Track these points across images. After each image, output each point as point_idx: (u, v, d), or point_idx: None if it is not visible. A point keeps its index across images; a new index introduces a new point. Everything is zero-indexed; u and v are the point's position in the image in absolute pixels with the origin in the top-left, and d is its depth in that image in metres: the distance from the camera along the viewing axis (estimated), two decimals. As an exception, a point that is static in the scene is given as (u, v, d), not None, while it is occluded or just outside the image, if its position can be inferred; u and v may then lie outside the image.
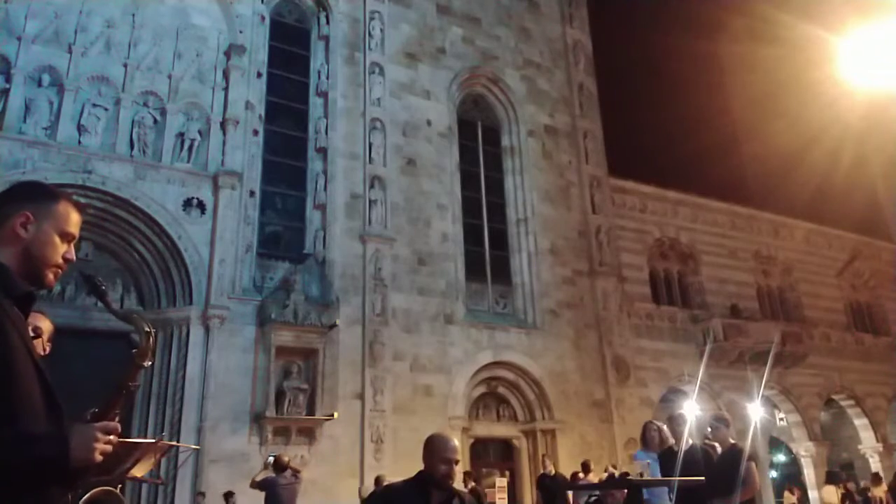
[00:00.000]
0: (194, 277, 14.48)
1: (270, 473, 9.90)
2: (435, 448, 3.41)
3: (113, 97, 14.91)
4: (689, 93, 33.62)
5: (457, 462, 3.44)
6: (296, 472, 9.86)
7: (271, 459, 10.18)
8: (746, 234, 24.91)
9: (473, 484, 12.32)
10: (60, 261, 1.73)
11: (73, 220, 1.78)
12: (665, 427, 6.57)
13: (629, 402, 18.93)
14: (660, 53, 31.87)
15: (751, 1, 28.47)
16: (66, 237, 1.75)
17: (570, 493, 12.13)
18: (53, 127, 14.11)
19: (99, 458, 1.53)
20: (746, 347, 21.30)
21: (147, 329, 1.79)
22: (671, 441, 6.49)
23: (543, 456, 14.46)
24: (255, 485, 9.76)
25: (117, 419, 1.65)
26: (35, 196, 1.75)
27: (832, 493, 16.81)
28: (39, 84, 14.25)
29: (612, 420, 18.42)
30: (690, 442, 6.20)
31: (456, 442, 3.52)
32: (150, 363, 1.80)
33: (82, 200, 12.09)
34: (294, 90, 17.91)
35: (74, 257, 1.78)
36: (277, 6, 18.30)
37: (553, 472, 12.77)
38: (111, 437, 1.57)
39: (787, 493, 18.84)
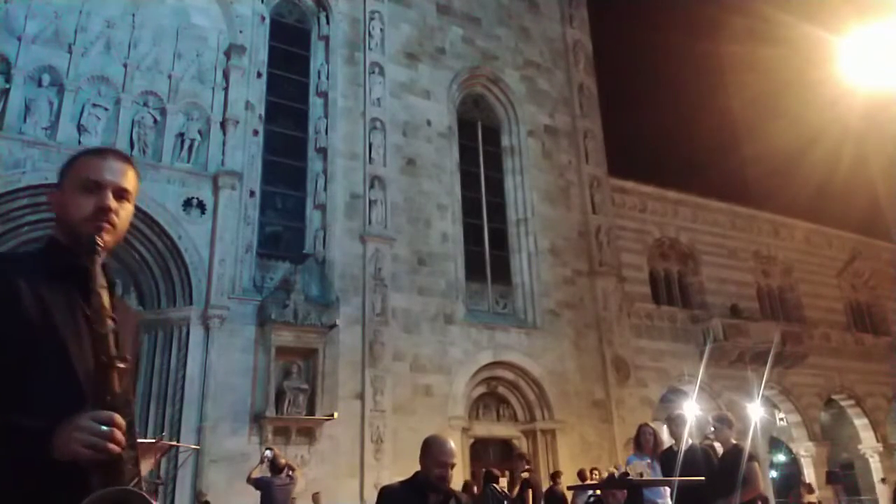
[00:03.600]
0: (194, 277, 14.47)
1: (266, 470, 9.92)
2: (431, 451, 3.40)
3: (113, 97, 14.91)
4: (690, 93, 33.63)
5: (452, 465, 3.43)
6: (291, 473, 9.87)
7: (268, 453, 10.19)
8: (746, 234, 24.91)
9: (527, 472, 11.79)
10: (89, 212, 1.56)
11: (93, 166, 1.61)
12: (662, 430, 6.55)
13: (629, 402, 18.92)
14: (660, 53, 31.88)
15: (751, 1, 28.48)
16: (90, 187, 1.58)
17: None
18: (53, 127, 14.11)
19: (85, 452, 1.30)
20: (746, 347, 21.30)
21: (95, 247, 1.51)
22: (666, 445, 6.48)
23: (527, 469, 12.74)
24: (252, 481, 9.77)
25: (128, 412, 1.41)
26: (62, 170, 1.65)
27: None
28: (39, 84, 14.25)
29: (612, 420, 18.41)
30: (690, 442, 6.20)
31: (453, 445, 3.51)
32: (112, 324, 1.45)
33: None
34: (294, 90, 17.91)
35: (109, 203, 1.58)
36: (277, 6, 18.29)
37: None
38: (106, 428, 1.32)
39: (805, 493, 18.65)
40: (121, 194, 1.62)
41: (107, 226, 1.57)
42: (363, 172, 17.27)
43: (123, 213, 1.63)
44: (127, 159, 1.67)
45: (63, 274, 1.52)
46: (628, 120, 26.98)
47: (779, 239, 25.72)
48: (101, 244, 1.54)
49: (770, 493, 20.52)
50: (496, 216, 19.96)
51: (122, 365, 1.42)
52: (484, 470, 12.46)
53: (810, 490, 18.36)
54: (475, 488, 11.71)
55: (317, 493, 12.81)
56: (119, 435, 1.34)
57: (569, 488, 11.70)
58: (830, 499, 19.98)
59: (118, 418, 1.36)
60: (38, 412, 1.36)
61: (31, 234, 13.47)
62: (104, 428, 1.33)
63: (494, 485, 11.77)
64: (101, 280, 1.48)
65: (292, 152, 17.37)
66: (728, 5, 30.81)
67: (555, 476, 12.86)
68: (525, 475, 11.23)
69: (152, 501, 1.34)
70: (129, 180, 1.64)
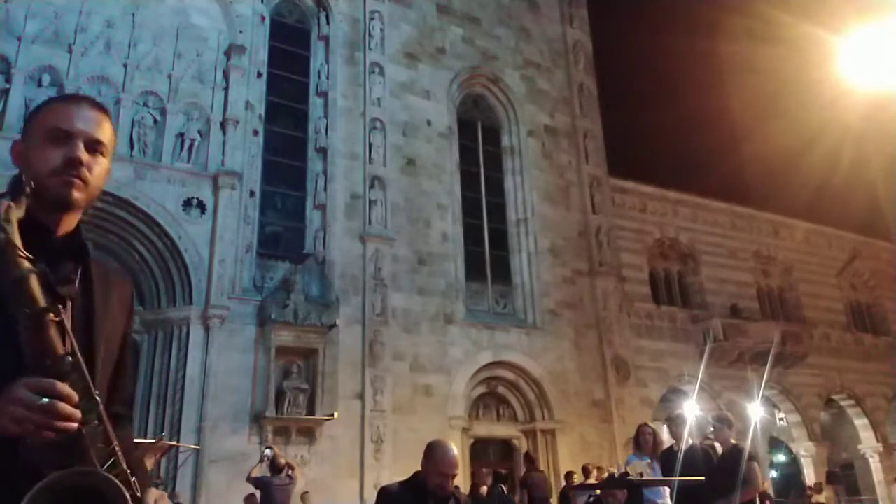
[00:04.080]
0: (194, 277, 14.47)
1: (266, 469, 9.92)
2: (434, 459, 3.37)
3: (113, 97, 14.89)
4: (689, 93, 33.60)
5: (454, 476, 3.40)
6: (291, 473, 9.87)
7: (268, 452, 10.20)
8: (746, 234, 24.92)
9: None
10: (56, 164, 1.34)
11: (63, 113, 1.40)
12: (662, 430, 6.54)
13: (629, 402, 18.92)
14: (660, 53, 31.87)
15: (751, 1, 28.47)
16: (58, 136, 1.37)
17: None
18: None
19: (14, 428, 1.09)
20: (746, 347, 21.30)
21: None
22: (665, 445, 6.47)
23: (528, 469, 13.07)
24: (252, 480, 9.78)
25: (78, 377, 1.15)
26: (27, 118, 1.44)
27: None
28: (39, 84, 14.24)
29: (612, 420, 18.41)
30: (690, 442, 6.20)
31: (456, 453, 3.47)
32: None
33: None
34: (294, 90, 17.91)
35: (79, 154, 1.36)
36: (277, 6, 18.29)
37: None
38: (45, 401, 1.09)
39: (814, 493, 18.58)
40: (94, 147, 1.40)
41: (77, 181, 1.35)
42: (363, 172, 17.27)
43: (97, 169, 1.41)
44: (102, 108, 1.48)
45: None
46: (628, 120, 26.97)
47: (779, 239, 25.73)
48: (71, 200, 1.34)
49: (771, 494, 20.53)
50: (496, 216, 19.96)
51: (53, 316, 1.13)
52: (492, 471, 12.53)
53: (819, 489, 18.30)
54: (483, 488, 11.75)
55: (305, 492, 12.78)
56: (63, 408, 1.10)
57: (569, 488, 11.71)
58: (831, 499, 19.98)
59: (62, 387, 1.11)
60: None
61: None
62: (43, 400, 1.09)
63: (502, 485, 11.81)
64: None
65: (292, 152, 17.37)
66: (728, 5, 30.80)
67: (568, 476, 12.89)
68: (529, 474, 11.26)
69: (119, 486, 1.12)
70: (104, 131, 1.44)
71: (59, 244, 1.35)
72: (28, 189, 1.20)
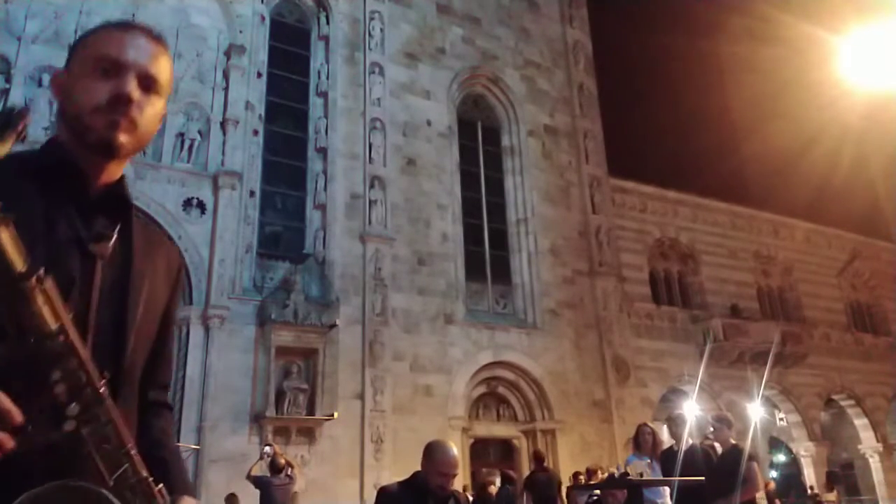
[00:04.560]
0: (194, 277, 14.47)
1: (266, 467, 9.91)
2: (434, 459, 3.37)
3: (113, 97, 14.89)
4: (689, 93, 33.62)
5: (454, 476, 3.40)
6: (290, 472, 9.87)
7: (268, 450, 10.19)
8: (746, 234, 24.92)
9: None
10: (102, 100, 1.12)
11: (114, 41, 1.18)
12: (662, 430, 6.54)
13: (629, 402, 18.92)
14: (660, 53, 31.88)
15: (751, 1, 28.47)
16: (107, 68, 1.15)
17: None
18: (53, 127, 14.08)
19: None
20: (746, 347, 21.30)
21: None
22: (665, 445, 6.47)
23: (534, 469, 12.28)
24: (251, 479, 9.77)
25: (70, 363, 0.91)
26: (73, 46, 1.23)
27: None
28: (39, 84, 14.23)
29: (612, 420, 18.41)
30: (690, 442, 6.20)
31: (456, 452, 3.48)
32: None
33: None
34: (294, 90, 17.91)
35: (130, 90, 1.13)
36: (277, 6, 18.29)
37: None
38: None
39: (824, 491, 18.52)
40: (148, 84, 1.18)
41: (124, 122, 1.13)
42: (363, 172, 17.27)
43: (150, 111, 1.18)
44: (160, 40, 1.23)
45: (45, 173, 1.12)
46: (628, 120, 26.99)
47: (779, 239, 25.73)
48: (116, 145, 1.13)
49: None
50: (496, 216, 19.96)
51: (34, 283, 0.87)
52: (500, 471, 12.56)
53: (830, 488, 18.26)
54: (491, 487, 11.78)
55: (294, 492, 12.72)
56: (8, 411, 0.85)
57: (570, 489, 11.70)
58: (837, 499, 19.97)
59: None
60: None
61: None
62: None
63: (509, 485, 11.84)
64: None
65: (292, 152, 17.38)
66: (728, 5, 30.80)
67: (575, 476, 12.91)
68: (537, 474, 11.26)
69: (112, 499, 0.89)
70: (162, 67, 1.20)
71: (97, 195, 1.15)
72: (22, 126, 0.99)
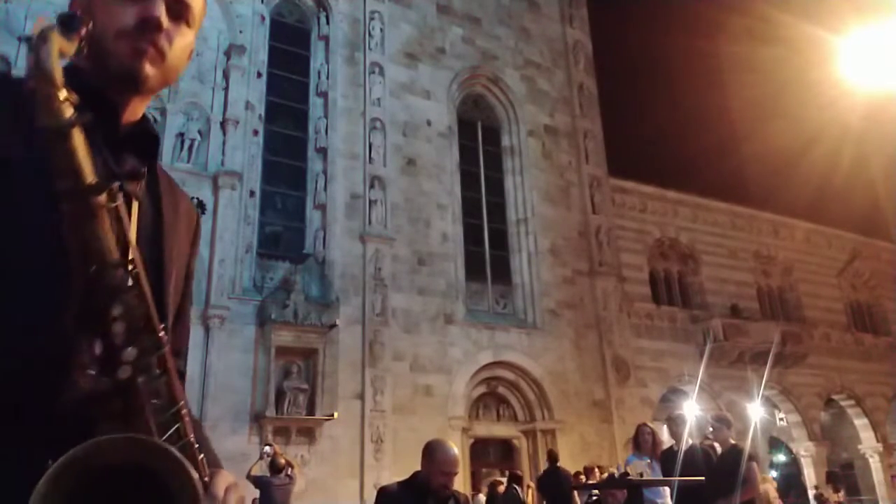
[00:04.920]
0: (194, 277, 14.45)
1: (265, 467, 9.91)
2: (435, 459, 3.36)
3: (113, 97, 14.90)
4: (689, 93, 33.63)
5: (455, 474, 3.39)
6: (290, 472, 9.86)
7: (268, 449, 10.19)
8: (746, 234, 24.92)
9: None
10: (128, 24, 0.95)
11: None
12: (662, 430, 6.54)
13: (629, 402, 18.93)
14: (660, 53, 31.90)
15: (751, 1, 28.48)
16: None
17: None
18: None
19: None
20: (746, 347, 21.30)
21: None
22: (665, 445, 6.47)
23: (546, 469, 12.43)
24: (251, 479, 9.77)
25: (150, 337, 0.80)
26: None
27: None
28: (39, 84, 14.24)
29: (612, 420, 18.41)
30: (690, 442, 6.20)
31: (456, 452, 3.47)
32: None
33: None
34: (294, 90, 17.91)
35: (158, 14, 0.96)
36: (277, 6, 18.30)
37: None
38: None
39: (831, 492, 18.47)
40: (178, 11, 1.01)
41: (151, 50, 0.97)
42: (363, 172, 17.27)
43: (180, 42, 1.01)
44: None
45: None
46: (628, 120, 26.99)
47: (779, 239, 25.73)
48: (142, 76, 0.96)
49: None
50: (496, 216, 19.96)
51: (105, 199, 0.76)
52: (507, 472, 12.58)
53: (836, 489, 18.22)
54: (501, 487, 11.79)
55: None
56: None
57: (570, 489, 11.70)
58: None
59: None
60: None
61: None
62: None
63: (516, 486, 11.86)
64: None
65: (292, 152, 17.38)
66: (728, 5, 30.81)
67: (576, 476, 12.91)
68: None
69: (185, 463, 0.72)
70: None
71: (124, 131, 1.00)
72: (84, 32, 0.78)
